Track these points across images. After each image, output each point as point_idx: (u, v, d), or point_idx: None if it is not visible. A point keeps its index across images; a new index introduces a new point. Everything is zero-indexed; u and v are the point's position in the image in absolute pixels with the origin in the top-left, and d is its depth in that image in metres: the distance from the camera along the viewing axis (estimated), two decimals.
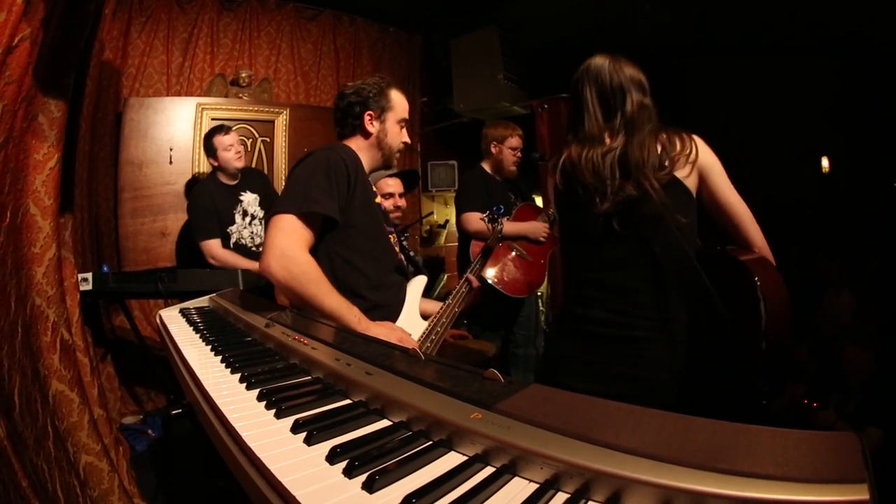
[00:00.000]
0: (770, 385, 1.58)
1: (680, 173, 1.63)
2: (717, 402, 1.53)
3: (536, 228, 3.60)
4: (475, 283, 2.27)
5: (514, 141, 3.75)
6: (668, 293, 1.60)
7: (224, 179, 3.76)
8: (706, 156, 1.67)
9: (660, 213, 1.56)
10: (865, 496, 0.48)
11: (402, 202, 3.12)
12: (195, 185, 4.05)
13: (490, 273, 3.39)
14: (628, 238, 1.65)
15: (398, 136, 2.12)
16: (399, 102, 2.11)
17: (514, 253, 3.55)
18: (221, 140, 3.66)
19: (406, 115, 2.14)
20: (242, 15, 5.13)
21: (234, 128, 4.42)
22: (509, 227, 3.52)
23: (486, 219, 2.60)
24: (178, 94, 4.72)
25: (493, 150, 3.81)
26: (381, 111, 2.07)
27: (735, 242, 1.71)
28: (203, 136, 3.92)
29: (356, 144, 2.06)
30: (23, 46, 1.86)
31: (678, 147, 1.64)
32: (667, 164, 1.62)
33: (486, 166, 3.89)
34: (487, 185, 3.78)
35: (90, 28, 2.32)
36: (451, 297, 2.15)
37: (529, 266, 3.59)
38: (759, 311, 1.45)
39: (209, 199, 3.67)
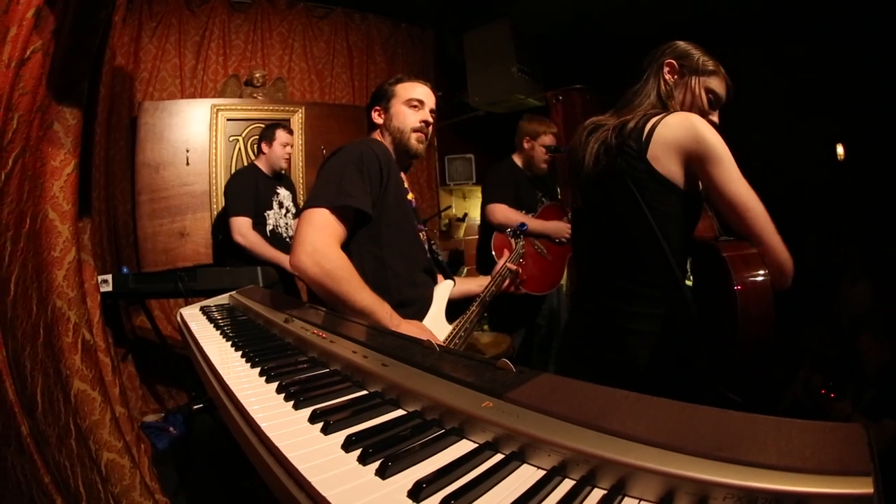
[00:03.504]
0: (743, 396, 1.53)
1: (656, 159, 1.54)
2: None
3: (559, 229, 3.58)
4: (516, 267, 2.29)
5: (548, 139, 3.67)
6: (645, 282, 1.58)
7: (264, 170, 3.89)
8: (692, 141, 1.51)
9: (634, 199, 1.53)
10: (869, 490, 0.47)
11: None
12: (237, 170, 4.17)
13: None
14: (606, 225, 1.66)
15: (405, 116, 2.06)
16: (402, 88, 2.09)
17: (535, 250, 3.55)
18: (284, 135, 3.87)
19: (413, 95, 2.08)
20: (253, 16, 5.16)
21: (249, 127, 4.49)
22: (533, 224, 3.51)
23: (510, 234, 2.57)
24: (193, 96, 4.76)
25: (525, 145, 3.73)
26: (386, 102, 2.08)
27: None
28: (266, 125, 4.14)
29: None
30: (35, 58, 1.90)
31: (657, 126, 1.55)
32: (635, 144, 1.56)
33: (517, 159, 3.80)
34: (517, 178, 3.71)
35: (101, 36, 2.34)
36: (486, 287, 2.17)
37: (548, 265, 3.60)
38: (734, 314, 1.41)
39: (252, 179, 3.79)
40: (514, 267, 2.27)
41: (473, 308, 2.08)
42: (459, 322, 2.02)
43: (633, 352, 1.56)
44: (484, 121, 6.05)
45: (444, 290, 2.06)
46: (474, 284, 2.26)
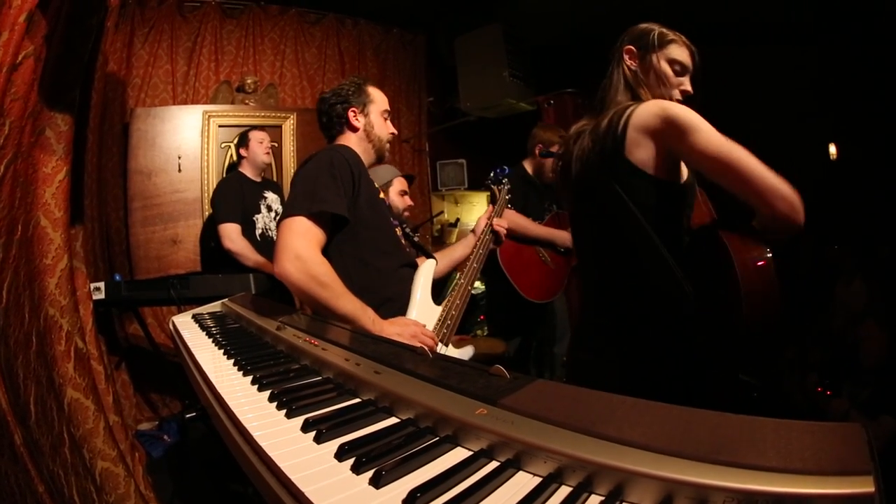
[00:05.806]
0: (760, 378, 1.51)
1: (633, 153, 1.51)
2: (699, 396, 1.47)
3: (565, 238, 3.50)
4: (503, 229, 2.31)
5: (555, 149, 3.49)
6: (646, 279, 1.56)
7: (250, 174, 3.87)
8: (661, 122, 1.46)
9: (620, 199, 1.51)
10: (871, 489, 0.47)
11: (410, 201, 3.15)
12: (222, 178, 4.19)
13: (512, 274, 3.38)
14: (601, 229, 1.66)
15: (384, 127, 2.17)
16: (378, 95, 2.18)
17: (539, 257, 3.53)
18: (256, 134, 3.88)
19: (388, 107, 2.20)
20: (245, 21, 5.15)
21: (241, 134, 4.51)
22: (539, 230, 3.49)
23: (490, 181, 2.49)
24: (185, 102, 4.76)
25: (537, 152, 3.59)
26: (364, 105, 2.13)
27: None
28: (239, 135, 4.13)
29: (347, 142, 2.09)
30: (27, 63, 1.89)
31: (629, 121, 1.51)
32: (611, 143, 1.53)
33: (528, 166, 3.70)
34: (527, 186, 3.60)
35: (93, 42, 2.33)
36: (470, 257, 2.18)
37: (550, 273, 3.56)
38: (737, 294, 1.38)
39: (237, 186, 3.77)
40: (502, 227, 2.30)
41: (461, 281, 2.08)
42: (448, 301, 2.04)
43: (645, 350, 1.54)
44: (476, 126, 6.05)
45: (426, 272, 2.07)
46: (459, 250, 2.30)
